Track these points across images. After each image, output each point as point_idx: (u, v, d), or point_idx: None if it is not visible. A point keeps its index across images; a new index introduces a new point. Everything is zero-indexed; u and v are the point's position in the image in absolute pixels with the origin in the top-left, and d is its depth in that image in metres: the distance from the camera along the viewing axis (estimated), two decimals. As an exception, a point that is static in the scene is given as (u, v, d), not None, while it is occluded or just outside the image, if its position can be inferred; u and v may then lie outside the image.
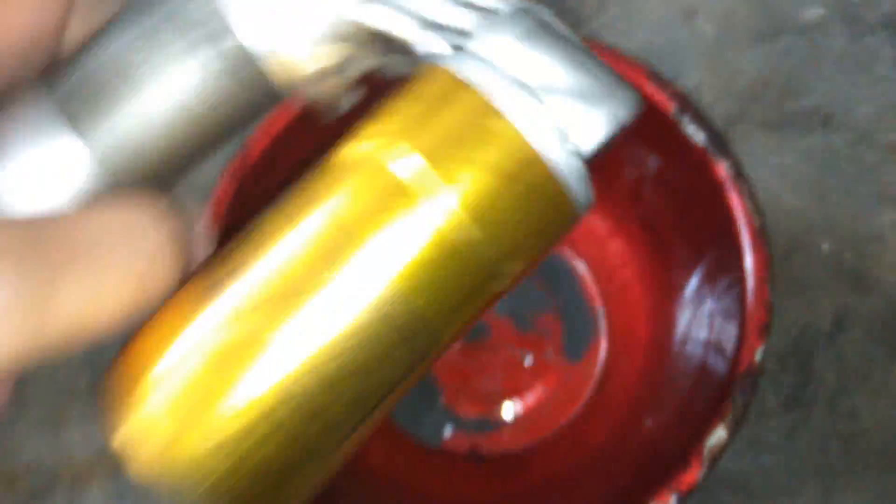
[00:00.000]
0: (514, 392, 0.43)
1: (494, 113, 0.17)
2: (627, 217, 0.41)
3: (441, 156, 0.16)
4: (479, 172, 0.16)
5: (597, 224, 0.42)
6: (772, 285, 0.31)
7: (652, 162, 0.37)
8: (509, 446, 0.42)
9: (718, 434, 0.29)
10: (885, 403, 0.41)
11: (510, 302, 0.44)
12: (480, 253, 0.16)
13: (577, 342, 0.43)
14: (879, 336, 0.42)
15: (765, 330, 0.30)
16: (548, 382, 0.42)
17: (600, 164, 0.38)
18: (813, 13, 0.48)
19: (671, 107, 0.34)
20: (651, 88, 0.34)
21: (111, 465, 0.47)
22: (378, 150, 0.16)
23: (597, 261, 0.43)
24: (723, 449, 0.29)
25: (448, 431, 0.42)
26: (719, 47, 0.48)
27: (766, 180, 0.44)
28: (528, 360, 0.43)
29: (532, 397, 0.42)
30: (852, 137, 0.45)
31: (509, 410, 0.42)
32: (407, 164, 0.16)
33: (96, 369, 0.48)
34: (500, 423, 0.42)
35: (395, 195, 0.16)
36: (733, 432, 0.29)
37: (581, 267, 0.43)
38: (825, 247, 0.43)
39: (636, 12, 0.49)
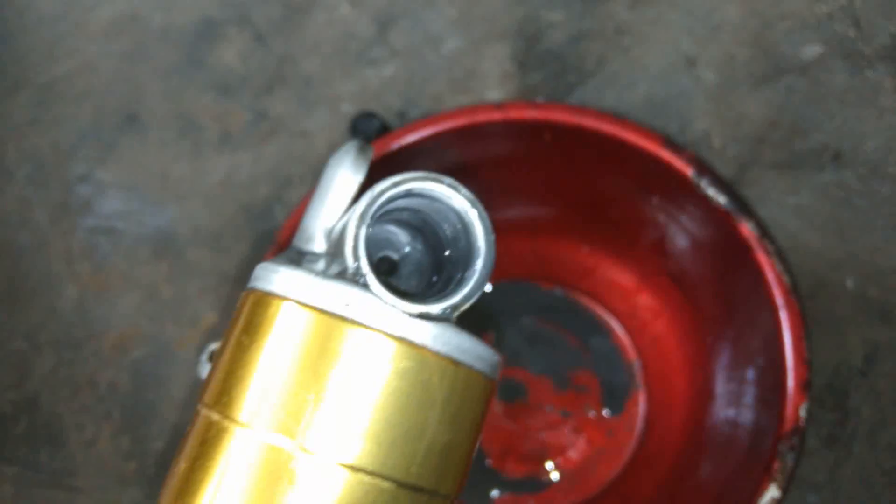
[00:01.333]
0: (558, 450, 0.43)
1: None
2: (654, 272, 0.42)
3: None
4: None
5: (623, 279, 0.43)
6: (808, 341, 0.32)
7: (674, 221, 0.38)
8: (560, 503, 0.42)
9: (771, 493, 0.30)
10: (925, 434, 0.41)
11: (545, 361, 0.45)
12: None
13: (615, 396, 0.44)
14: (911, 366, 0.42)
15: (806, 386, 0.31)
16: (591, 438, 0.43)
17: (623, 224, 0.40)
18: (811, 51, 0.49)
19: (688, 171, 0.35)
20: (665, 153, 0.36)
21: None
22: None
23: (627, 314, 0.44)
24: (778, 507, 0.30)
25: (496, 493, 0.43)
26: (722, 93, 0.49)
27: (783, 220, 0.45)
28: (569, 418, 0.44)
29: (576, 454, 0.43)
30: (864, 171, 0.46)
31: (555, 469, 0.43)
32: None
33: (141, 457, 0.49)
34: (548, 482, 0.43)
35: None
36: (785, 489, 0.30)
37: (612, 321, 0.44)
38: (849, 283, 0.44)
39: (637, 65, 0.50)
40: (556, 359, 0.45)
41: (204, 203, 0.53)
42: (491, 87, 0.51)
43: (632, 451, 0.42)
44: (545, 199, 0.42)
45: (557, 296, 0.45)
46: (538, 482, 0.43)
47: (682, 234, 0.38)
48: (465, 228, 0.21)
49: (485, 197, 0.41)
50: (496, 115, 0.37)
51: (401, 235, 0.24)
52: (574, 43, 0.51)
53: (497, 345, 0.45)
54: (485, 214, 0.21)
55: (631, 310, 0.43)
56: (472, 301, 0.20)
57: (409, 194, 0.21)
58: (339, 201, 0.25)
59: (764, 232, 0.33)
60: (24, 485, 0.50)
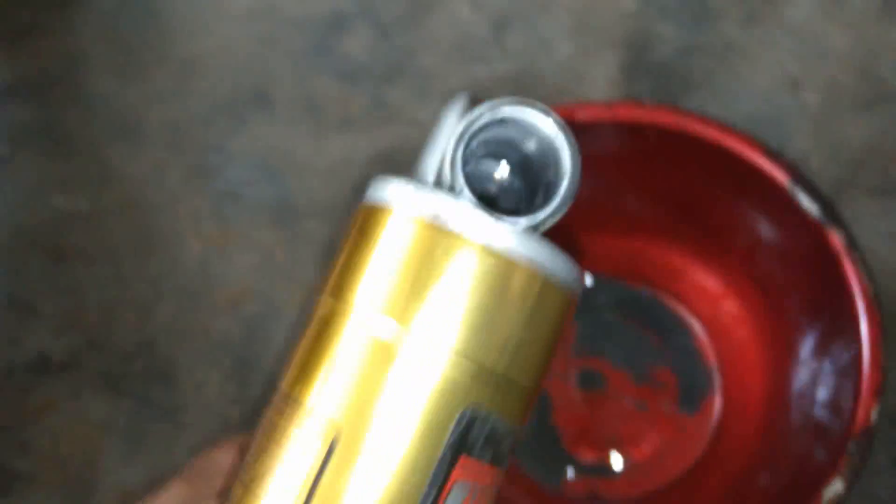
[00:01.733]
0: (630, 440, 0.46)
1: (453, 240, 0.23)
2: (741, 279, 0.44)
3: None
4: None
5: (710, 284, 0.45)
6: (885, 349, 0.33)
7: (765, 229, 0.40)
8: (627, 492, 0.44)
9: (836, 487, 0.32)
10: None
11: (626, 355, 0.47)
12: (465, 371, 0.22)
13: (691, 396, 0.46)
14: None
15: (880, 391, 0.33)
16: (663, 432, 0.45)
17: (716, 230, 0.43)
18: (919, 82, 0.50)
19: (785, 179, 0.37)
20: (765, 162, 0.38)
21: None
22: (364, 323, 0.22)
23: (710, 319, 0.46)
24: (840, 501, 0.32)
25: (570, 473, 0.45)
26: (824, 115, 0.50)
27: (873, 243, 0.46)
28: (644, 411, 0.46)
29: (648, 446, 0.45)
30: (962, 203, 0.46)
31: (627, 457, 0.45)
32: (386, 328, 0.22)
33: (245, 403, 0.53)
34: (618, 470, 0.45)
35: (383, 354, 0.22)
36: (850, 486, 0.32)
37: (695, 324, 0.46)
38: (936, 309, 0.45)
39: (742, 82, 0.52)
40: (636, 354, 0.47)
41: (322, 179, 0.58)
42: (597, 93, 0.54)
43: (702, 450, 0.44)
44: (642, 199, 0.44)
45: (644, 294, 0.47)
46: (608, 469, 0.46)
47: (773, 241, 0.40)
48: (555, 154, 0.23)
49: (580, 193, 0.44)
50: (604, 113, 0.40)
51: (497, 169, 0.26)
52: (682, 56, 0.53)
53: (580, 336, 0.48)
54: (573, 139, 0.23)
55: (714, 314, 0.45)
56: (555, 218, 0.23)
57: (502, 121, 0.23)
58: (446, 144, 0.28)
59: (852, 242, 0.35)
60: (137, 417, 0.55)
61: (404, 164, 0.58)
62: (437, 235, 0.22)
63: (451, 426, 0.21)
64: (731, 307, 0.45)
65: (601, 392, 0.47)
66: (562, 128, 0.23)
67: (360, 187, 0.57)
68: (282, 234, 0.56)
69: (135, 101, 0.62)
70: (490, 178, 0.26)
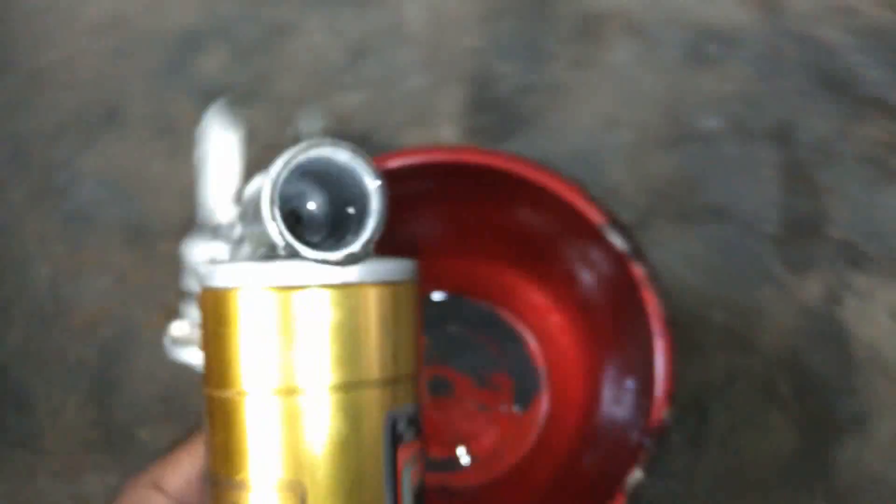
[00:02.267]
0: (474, 437, 0.52)
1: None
2: (564, 297, 0.51)
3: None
4: None
5: (539, 300, 0.53)
6: (675, 360, 0.41)
7: (582, 258, 0.47)
8: (471, 482, 0.51)
9: (636, 475, 0.39)
10: (765, 441, 0.52)
11: (469, 362, 0.53)
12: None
13: (524, 395, 0.53)
14: (761, 388, 0.53)
15: (671, 396, 0.41)
16: (502, 429, 0.52)
17: (542, 256, 0.50)
18: (712, 123, 0.59)
19: (600, 220, 0.44)
20: (583, 204, 0.45)
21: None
22: None
23: (539, 329, 0.53)
24: (641, 486, 0.39)
25: (420, 471, 0.51)
26: (636, 152, 0.59)
27: (672, 263, 0.55)
28: (485, 411, 0.53)
29: (489, 441, 0.52)
30: (740, 228, 0.56)
31: (469, 453, 0.52)
32: None
33: (106, 425, 0.55)
34: (462, 464, 0.52)
35: None
36: (647, 472, 0.40)
37: (527, 334, 0.53)
38: (718, 317, 0.54)
39: (568, 120, 0.59)
40: (478, 361, 0.53)
41: (176, 199, 0.59)
42: (445, 124, 0.60)
43: (534, 441, 0.51)
44: (479, 229, 0.50)
45: (483, 309, 0.54)
46: (455, 463, 0.52)
47: (588, 269, 0.47)
48: (356, 181, 0.25)
49: (428, 225, 0.50)
50: (450, 156, 0.45)
51: (307, 190, 0.27)
52: (519, 94, 0.60)
53: (430, 347, 0.53)
54: (370, 163, 0.25)
55: (543, 325, 0.53)
56: (379, 233, 0.25)
57: (310, 161, 0.25)
58: (226, 165, 0.30)
59: (652, 274, 0.43)
60: (-6, 439, 0.55)
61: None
62: (291, 296, 0.24)
63: (384, 434, 0.25)
64: (556, 320, 0.52)
65: (449, 396, 0.53)
66: (355, 153, 0.25)
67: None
68: (136, 255, 0.58)
69: (-23, 114, 0.61)
70: (300, 198, 0.27)
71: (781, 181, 0.57)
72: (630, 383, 0.45)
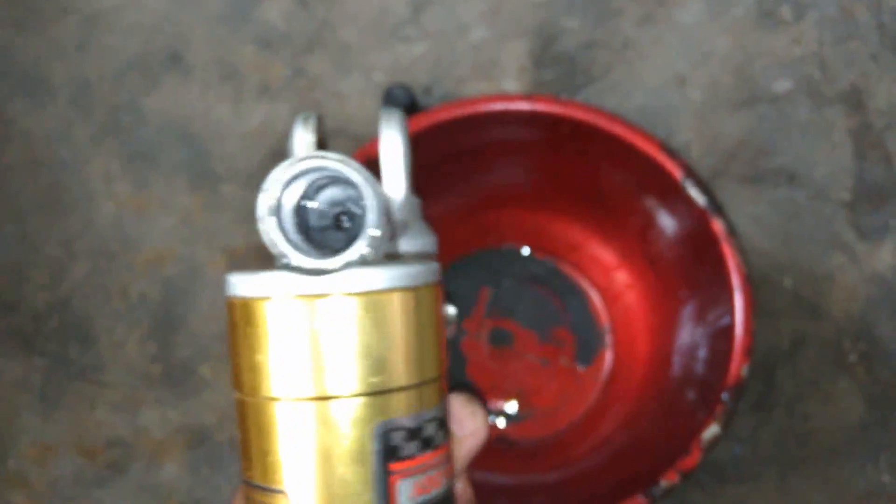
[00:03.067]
0: (534, 391, 0.52)
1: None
2: (633, 254, 0.50)
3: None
4: None
5: (606, 257, 0.52)
6: (753, 315, 0.41)
7: (658, 213, 0.46)
8: (532, 434, 0.51)
9: (713, 430, 0.39)
10: (832, 409, 0.51)
11: (532, 316, 0.53)
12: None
13: (587, 351, 0.52)
14: (828, 355, 0.52)
15: (749, 351, 0.40)
16: (562, 384, 0.52)
17: (614, 211, 0.49)
18: (783, 86, 0.58)
19: (678, 173, 0.43)
20: (662, 157, 0.44)
21: (185, 443, 0.54)
22: None
23: (604, 286, 0.52)
24: (717, 440, 0.39)
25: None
26: (705, 111, 0.57)
27: (741, 225, 0.54)
28: (546, 366, 0.52)
29: (549, 395, 0.51)
30: (812, 193, 0.55)
31: (531, 405, 0.51)
32: None
33: (167, 361, 0.55)
34: (524, 416, 0.51)
35: None
36: (725, 428, 0.39)
37: (591, 290, 0.52)
38: (787, 282, 0.53)
39: (636, 77, 0.58)
40: (541, 316, 0.53)
41: (240, 144, 0.59)
42: (508, 78, 0.59)
43: (596, 397, 0.51)
44: (551, 181, 0.49)
45: (548, 264, 0.53)
46: (516, 415, 0.51)
47: (662, 224, 0.47)
48: (351, 184, 0.25)
49: (499, 174, 0.49)
50: (526, 106, 0.44)
51: (326, 219, 0.27)
52: (585, 49, 0.59)
53: (493, 300, 0.53)
54: (357, 165, 0.24)
55: (608, 283, 0.52)
56: (388, 234, 0.25)
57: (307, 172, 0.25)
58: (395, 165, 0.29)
59: (731, 230, 0.42)
60: (54, 376, 0.55)
61: (326, 132, 0.60)
62: (312, 304, 0.24)
63: (371, 448, 0.24)
64: (623, 277, 0.51)
65: (509, 349, 0.52)
66: (344, 161, 0.24)
67: (279, 154, 0.59)
68: (200, 197, 0.58)
69: (36, 54, 0.61)
70: (322, 227, 0.27)
71: (853, 146, 0.56)
72: (704, 341, 0.44)
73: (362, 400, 0.24)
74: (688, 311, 0.46)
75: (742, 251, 0.42)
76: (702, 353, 0.44)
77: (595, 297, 0.52)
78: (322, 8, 0.62)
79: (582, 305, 0.53)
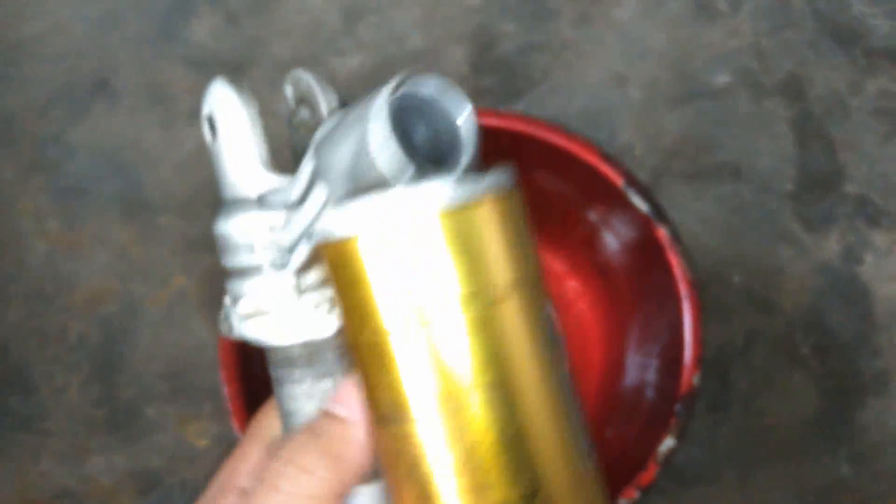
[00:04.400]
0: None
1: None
2: (582, 261, 0.50)
3: None
4: None
5: (556, 265, 0.51)
6: (702, 323, 0.40)
7: (604, 220, 0.46)
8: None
9: (668, 443, 0.38)
10: (787, 404, 0.51)
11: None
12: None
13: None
14: (781, 349, 0.52)
15: (700, 360, 0.40)
16: (519, 399, 0.51)
17: (561, 220, 0.48)
18: (722, 79, 0.57)
19: (620, 181, 0.43)
20: (603, 166, 0.43)
21: (135, 489, 0.52)
22: None
23: (556, 295, 0.51)
24: (672, 453, 0.38)
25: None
26: (646, 109, 0.57)
27: (687, 223, 0.54)
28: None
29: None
30: (756, 186, 0.55)
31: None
32: None
33: (111, 404, 0.53)
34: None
35: None
36: (680, 439, 0.39)
37: (543, 301, 0.52)
38: (736, 279, 0.53)
39: (576, 79, 0.58)
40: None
41: (174, 171, 0.57)
42: (447, 86, 0.58)
43: (553, 410, 0.50)
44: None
45: (497, 276, 0.52)
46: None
47: (608, 233, 0.46)
48: (446, 110, 0.26)
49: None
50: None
51: (416, 133, 0.28)
52: (523, 53, 0.58)
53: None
54: (458, 90, 0.26)
55: (560, 291, 0.51)
56: (476, 150, 0.27)
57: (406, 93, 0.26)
58: (245, 136, 0.29)
59: (676, 236, 0.41)
60: (-6, 424, 0.53)
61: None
62: (407, 225, 0.24)
63: (544, 334, 0.27)
64: (573, 285, 0.51)
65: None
66: (451, 86, 0.27)
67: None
68: (135, 229, 0.56)
69: (-41, 88, 0.58)
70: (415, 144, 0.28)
71: (795, 137, 0.56)
72: (655, 349, 0.43)
73: (523, 290, 0.25)
74: (638, 319, 0.46)
75: (688, 257, 0.41)
76: (654, 360, 0.44)
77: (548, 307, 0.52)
78: (253, 24, 0.60)
79: (534, 316, 0.52)
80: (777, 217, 0.54)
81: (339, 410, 0.27)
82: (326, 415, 0.27)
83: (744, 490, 0.50)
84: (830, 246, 0.54)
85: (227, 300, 0.30)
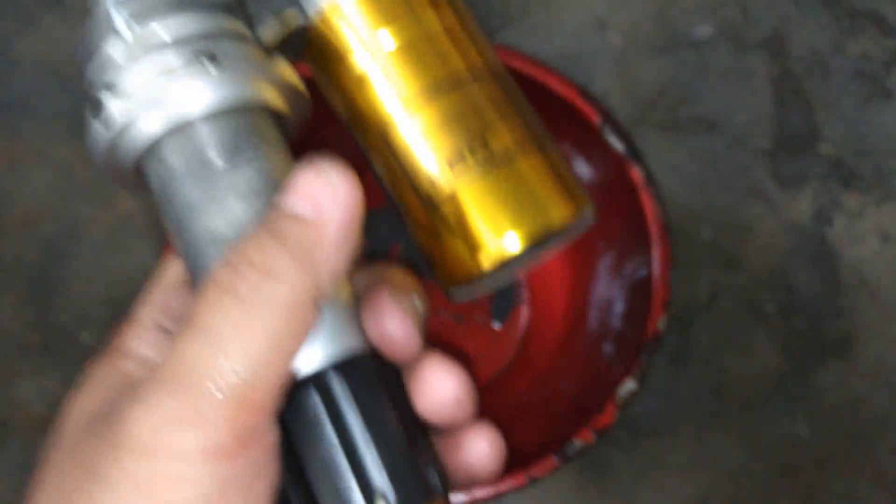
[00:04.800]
0: (449, 349, 0.49)
1: None
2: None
3: None
4: None
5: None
6: (671, 267, 0.39)
7: (575, 162, 0.44)
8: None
9: (629, 386, 0.37)
10: (748, 361, 0.50)
11: (445, 273, 0.50)
12: None
13: (502, 308, 0.50)
14: (745, 307, 0.51)
15: (667, 304, 0.38)
16: (478, 342, 0.49)
17: None
18: (704, 31, 0.56)
19: (596, 119, 0.41)
20: (581, 103, 0.41)
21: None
22: None
23: (521, 240, 0.50)
24: (633, 397, 0.37)
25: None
26: (624, 57, 0.55)
27: (659, 174, 0.52)
28: (460, 323, 0.50)
29: (464, 353, 0.49)
30: (731, 141, 0.54)
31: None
32: None
33: (46, 328, 0.50)
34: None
35: None
36: (641, 383, 0.37)
37: (508, 244, 0.50)
38: (705, 233, 0.52)
39: (555, 20, 0.55)
40: (454, 272, 0.50)
41: (128, 89, 0.54)
42: (421, 19, 0.55)
43: (511, 356, 0.49)
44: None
45: (462, 217, 0.50)
46: (426, 378, 0.49)
47: (579, 173, 0.44)
48: None
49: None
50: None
51: None
52: (501, -11, 0.56)
53: (405, 255, 0.50)
54: None
55: (525, 236, 0.49)
56: None
57: None
58: None
59: (650, 178, 0.40)
60: (-80, 343, 0.50)
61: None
62: None
63: None
64: (540, 230, 0.49)
65: (421, 308, 0.50)
66: None
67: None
68: (80, 147, 0.53)
69: None
70: None
71: (774, 94, 0.55)
72: (621, 293, 0.42)
73: None
74: (604, 264, 0.44)
75: (660, 201, 0.40)
76: (618, 306, 0.42)
77: (511, 251, 0.50)
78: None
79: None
80: (750, 173, 0.53)
81: (303, 208, 0.21)
82: (284, 215, 0.21)
83: (699, 444, 0.49)
84: (802, 206, 0.53)
85: (95, 98, 0.23)
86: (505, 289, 0.50)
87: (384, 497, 0.21)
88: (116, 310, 0.50)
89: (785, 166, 0.53)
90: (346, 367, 0.22)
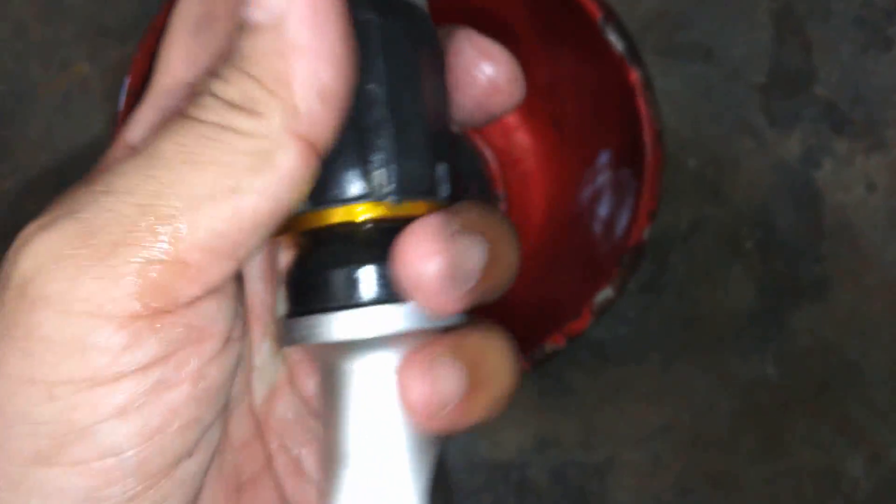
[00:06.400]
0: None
1: None
2: (536, 114, 0.46)
3: None
4: None
5: (508, 118, 0.47)
6: (662, 178, 0.37)
7: (570, 63, 0.42)
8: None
9: (606, 293, 0.35)
10: (722, 296, 0.49)
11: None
12: None
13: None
14: (725, 241, 0.50)
15: (653, 215, 0.36)
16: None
17: (521, 56, 0.42)
18: (708, -43, 0.53)
19: (598, 14, 0.38)
20: (582, -4, 0.39)
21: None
22: None
23: (503, 151, 0.47)
24: (610, 304, 0.35)
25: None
26: (627, -26, 0.52)
27: (651, 99, 0.50)
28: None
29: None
30: (727, 72, 0.52)
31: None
32: None
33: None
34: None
35: None
36: (619, 292, 0.35)
37: (489, 154, 0.48)
38: (691, 163, 0.50)
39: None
40: (429, 178, 0.48)
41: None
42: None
43: (481, 269, 0.47)
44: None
45: (442, 121, 0.48)
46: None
47: (573, 75, 0.42)
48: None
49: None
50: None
51: None
52: None
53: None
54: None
55: (508, 147, 0.47)
56: None
57: None
58: None
59: (648, 82, 0.38)
60: None
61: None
62: None
63: None
64: (523, 139, 0.46)
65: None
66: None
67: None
68: (37, 4, 0.48)
69: None
70: None
71: (774, 30, 0.53)
72: (606, 203, 0.40)
73: None
74: (589, 175, 0.42)
75: (657, 107, 0.38)
76: (604, 212, 0.40)
77: (493, 162, 0.48)
78: None
79: (478, 170, 0.48)
80: (742, 107, 0.51)
81: (254, 15, 0.18)
82: (240, 28, 0.18)
83: (665, 375, 0.48)
84: (791, 145, 0.51)
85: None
86: (484, 200, 0.48)
87: (388, 170, 0.19)
88: (66, 179, 0.47)
89: (778, 104, 0.52)
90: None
